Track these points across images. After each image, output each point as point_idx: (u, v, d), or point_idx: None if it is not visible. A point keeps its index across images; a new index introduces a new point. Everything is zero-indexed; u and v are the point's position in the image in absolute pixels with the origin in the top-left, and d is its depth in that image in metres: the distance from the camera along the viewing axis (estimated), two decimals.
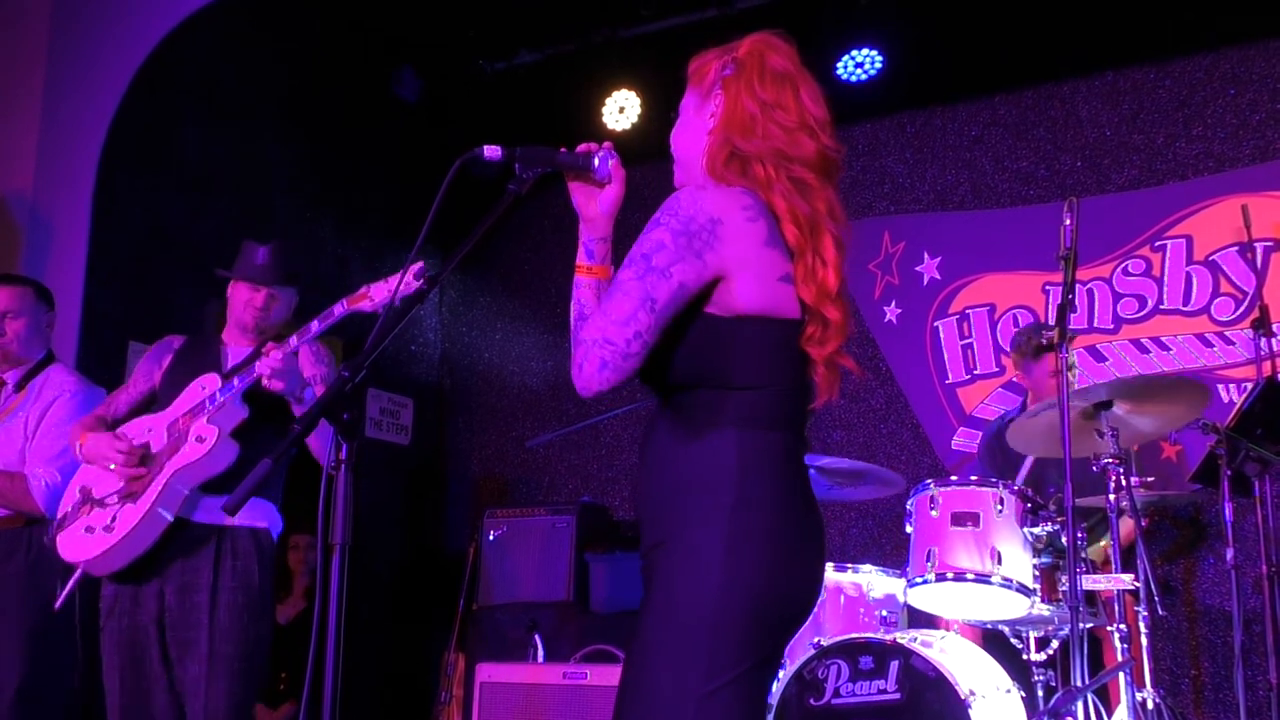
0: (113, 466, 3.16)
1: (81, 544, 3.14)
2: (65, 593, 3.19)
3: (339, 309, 2.93)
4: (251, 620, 3.13)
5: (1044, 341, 4.20)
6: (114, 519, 3.10)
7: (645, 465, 1.90)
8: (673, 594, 1.77)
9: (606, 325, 1.75)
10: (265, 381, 2.96)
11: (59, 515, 3.29)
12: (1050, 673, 3.65)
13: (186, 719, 3.09)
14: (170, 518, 3.09)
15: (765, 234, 1.83)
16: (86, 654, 3.36)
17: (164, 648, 3.12)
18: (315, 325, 2.98)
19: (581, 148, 2.05)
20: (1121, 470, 3.45)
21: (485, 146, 1.99)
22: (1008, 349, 4.64)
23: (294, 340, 3.01)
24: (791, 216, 1.85)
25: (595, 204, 2.05)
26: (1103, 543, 3.79)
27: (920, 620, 3.94)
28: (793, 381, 1.87)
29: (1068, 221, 3.38)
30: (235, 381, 3.08)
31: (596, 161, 2.05)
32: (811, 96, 1.95)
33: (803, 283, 1.85)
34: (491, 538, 5.35)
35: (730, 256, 1.80)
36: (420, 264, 2.04)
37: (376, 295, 2.82)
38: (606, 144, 2.04)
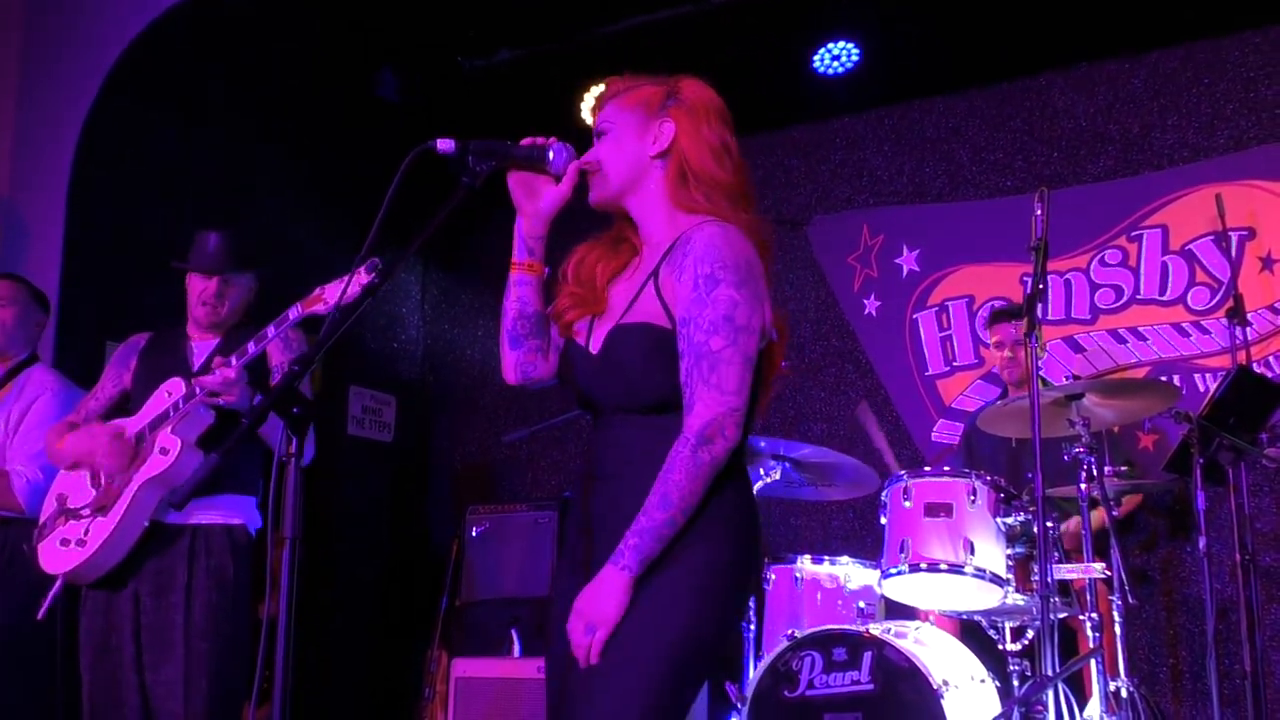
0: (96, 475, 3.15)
1: (59, 557, 3.14)
2: (48, 603, 3.19)
3: (293, 313, 2.91)
4: (227, 618, 3.12)
5: (996, 309, 4.47)
6: (87, 532, 3.10)
7: (627, 483, 1.91)
8: (674, 612, 1.82)
9: (726, 398, 1.83)
10: (213, 390, 2.96)
11: (40, 521, 3.28)
12: (1025, 662, 3.67)
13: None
14: (141, 528, 3.09)
15: (764, 268, 1.96)
16: (67, 657, 3.36)
17: (139, 651, 3.10)
18: (270, 330, 2.96)
19: (526, 141, 2.05)
20: (1094, 459, 3.48)
21: (439, 140, 1.99)
22: (987, 340, 4.66)
23: (252, 346, 2.99)
24: (765, 251, 1.97)
25: (537, 200, 2.07)
26: (1074, 517, 3.81)
27: (898, 611, 3.95)
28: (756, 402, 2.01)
29: (1038, 211, 3.40)
30: (197, 391, 3.05)
31: (551, 155, 2.06)
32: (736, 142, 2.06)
33: (775, 310, 1.98)
34: (474, 534, 5.36)
35: (762, 293, 1.92)
36: (374, 260, 2.04)
37: (330, 296, 2.80)
38: (553, 138, 2.05)
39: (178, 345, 3.37)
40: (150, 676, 3.09)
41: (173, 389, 3.17)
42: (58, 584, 3.18)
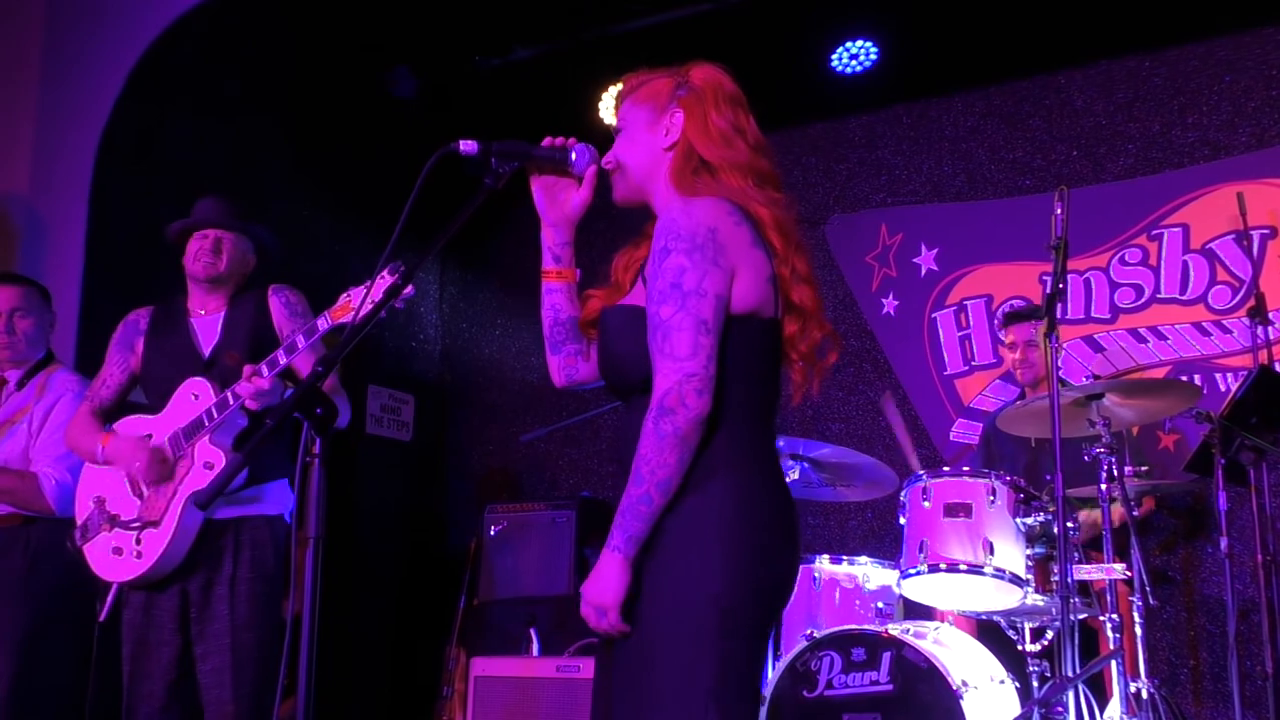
0: (135, 480, 3.13)
1: (115, 565, 3.14)
2: (108, 606, 3.19)
3: (322, 323, 2.88)
4: (270, 608, 3.14)
5: (1010, 310, 4.46)
6: (139, 542, 3.10)
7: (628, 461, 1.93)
8: (677, 587, 1.82)
9: (680, 364, 1.81)
10: (246, 402, 2.97)
11: (79, 521, 3.27)
12: (1045, 663, 3.65)
13: (204, 712, 3.08)
14: (193, 536, 3.09)
15: (750, 236, 1.92)
16: (101, 652, 3.37)
17: (185, 643, 3.11)
18: (300, 341, 2.94)
19: (547, 141, 2.06)
20: (1114, 459, 3.46)
21: (462, 141, 2.00)
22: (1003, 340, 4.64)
23: (282, 356, 2.97)
24: (775, 224, 1.95)
25: (560, 207, 2.10)
26: (1093, 509, 3.79)
27: (916, 611, 3.95)
28: (769, 377, 1.98)
29: (1058, 210, 3.39)
30: (231, 400, 3.03)
31: (574, 155, 2.07)
32: (755, 123, 2.05)
33: (792, 284, 1.96)
34: (492, 533, 5.36)
35: (732, 257, 1.88)
36: (396, 262, 2.03)
37: (357, 305, 2.75)
38: (574, 139, 2.06)
39: (182, 324, 3.33)
40: (200, 667, 3.09)
41: (199, 391, 3.14)
42: (114, 588, 3.18)
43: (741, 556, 1.84)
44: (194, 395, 3.16)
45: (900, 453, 4.47)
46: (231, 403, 3.02)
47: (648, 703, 1.81)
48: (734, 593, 1.82)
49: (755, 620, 1.87)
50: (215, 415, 3.06)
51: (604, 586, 1.82)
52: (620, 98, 2.10)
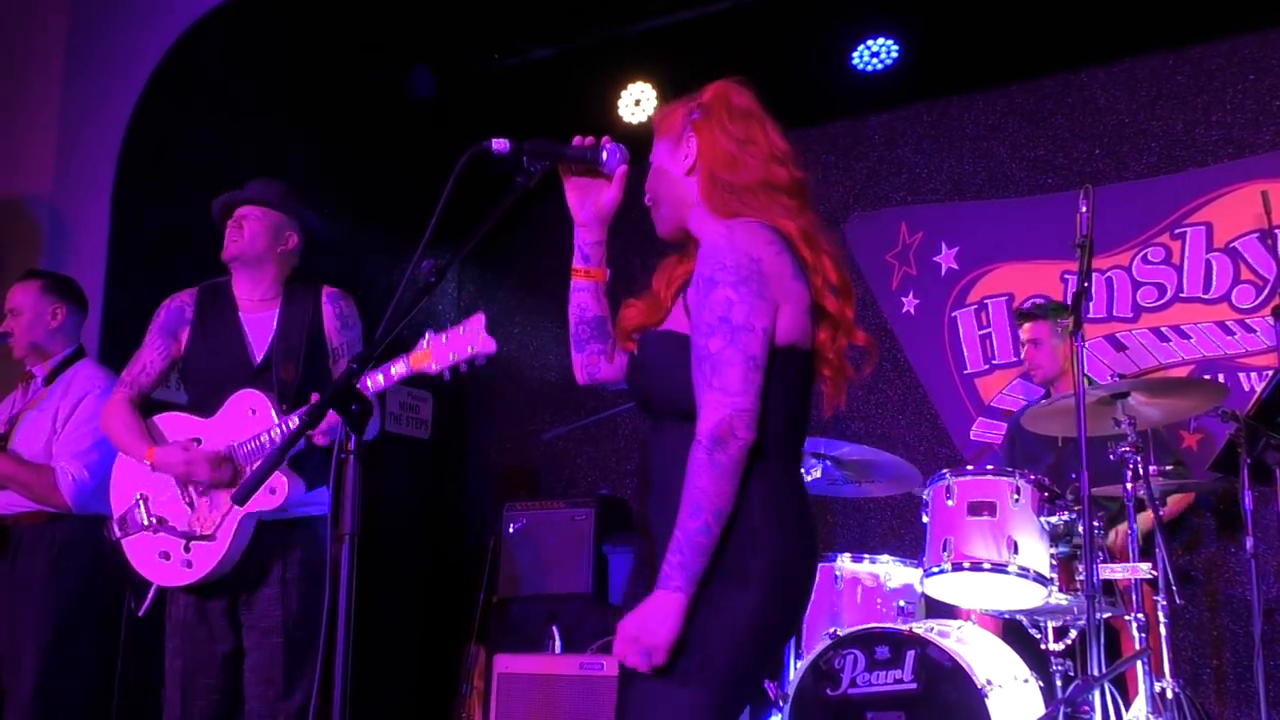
0: (197, 484, 3.07)
1: (160, 568, 3.10)
2: (148, 601, 3.15)
3: (401, 366, 2.72)
4: (320, 607, 3.11)
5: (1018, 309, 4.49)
6: (188, 550, 3.05)
7: (664, 488, 1.92)
8: (702, 616, 1.80)
9: (731, 399, 1.80)
10: (316, 438, 2.89)
11: (117, 513, 3.21)
12: (1068, 662, 3.65)
13: (248, 707, 3.06)
14: (244, 548, 3.04)
15: (792, 267, 1.91)
16: (131, 646, 3.35)
17: (236, 640, 3.09)
18: (382, 381, 2.78)
19: (577, 140, 2.07)
20: (1139, 459, 3.45)
21: (494, 140, 2.01)
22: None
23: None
24: (801, 235, 1.94)
25: (592, 207, 2.11)
26: (1121, 526, 3.78)
27: (939, 610, 3.94)
28: (804, 409, 1.97)
29: (1083, 209, 3.38)
30: (294, 421, 2.95)
31: (605, 155, 2.08)
32: (776, 131, 2.03)
33: (823, 292, 1.95)
34: (511, 530, 5.38)
35: (775, 290, 1.88)
36: (429, 262, 2.02)
37: (438, 357, 2.65)
38: (605, 137, 2.07)
39: (231, 319, 3.23)
40: (248, 662, 3.06)
41: (257, 406, 3.05)
42: (155, 587, 3.14)
43: (774, 590, 1.84)
44: (251, 410, 3.06)
45: None
46: (297, 429, 2.96)
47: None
48: (759, 624, 1.83)
49: (764, 653, 1.92)
50: (276, 438, 2.98)
51: (659, 628, 1.77)
52: (654, 133, 2.11)
